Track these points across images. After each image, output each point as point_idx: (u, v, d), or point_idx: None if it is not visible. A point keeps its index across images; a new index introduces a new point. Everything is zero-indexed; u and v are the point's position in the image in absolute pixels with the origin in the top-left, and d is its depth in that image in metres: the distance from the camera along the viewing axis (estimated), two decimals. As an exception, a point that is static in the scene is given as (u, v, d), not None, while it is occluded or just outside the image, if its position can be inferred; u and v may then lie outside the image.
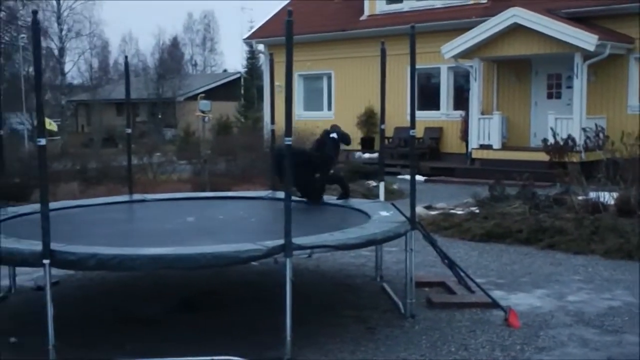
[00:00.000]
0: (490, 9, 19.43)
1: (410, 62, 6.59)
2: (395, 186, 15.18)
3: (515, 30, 18.08)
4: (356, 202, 8.45)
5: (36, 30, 5.35)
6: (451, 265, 7.25)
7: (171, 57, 57.46)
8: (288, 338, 5.34)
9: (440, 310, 6.68)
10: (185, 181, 16.01)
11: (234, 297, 7.36)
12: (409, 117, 6.68)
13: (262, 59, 31.05)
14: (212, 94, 38.00)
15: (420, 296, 6.94)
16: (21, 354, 5.60)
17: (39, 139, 5.25)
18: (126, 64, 9.61)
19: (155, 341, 5.88)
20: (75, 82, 53.59)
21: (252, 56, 45.78)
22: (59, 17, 45.47)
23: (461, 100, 20.87)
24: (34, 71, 5.51)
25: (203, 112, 22.86)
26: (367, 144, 21.96)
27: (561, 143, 16.40)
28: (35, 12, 5.41)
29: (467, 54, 19.05)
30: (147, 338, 5.98)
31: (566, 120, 17.59)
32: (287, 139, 5.42)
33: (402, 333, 6.04)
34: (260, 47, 27.03)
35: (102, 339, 5.94)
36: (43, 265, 5.16)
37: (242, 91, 45.82)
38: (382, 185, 8.53)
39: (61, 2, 45.79)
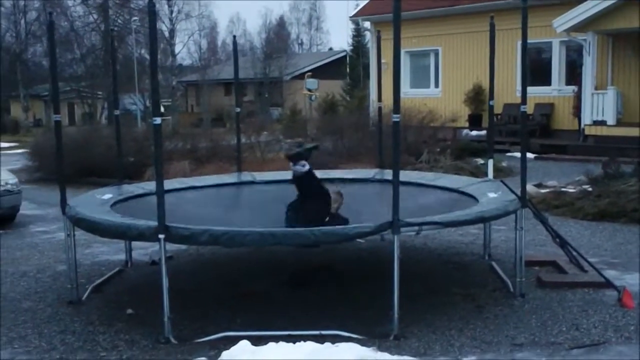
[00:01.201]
0: (605, -21, 18.57)
1: (522, 36, 6.41)
2: (504, 164, 14.85)
3: (632, 2, 17.20)
4: (465, 180, 8.32)
5: (152, 12, 5.52)
6: (563, 244, 7.05)
7: (278, 36, 57.96)
8: (395, 315, 5.36)
9: (550, 289, 6.52)
10: (292, 159, 16.16)
11: (343, 274, 7.42)
12: (518, 94, 6.53)
13: (368, 37, 30.96)
14: (318, 73, 38.26)
15: (530, 275, 6.80)
16: (138, 325, 5.85)
17: (154, 119, 5.45)
18: (235, 44, 9.78)
19: (265, 315, 6.02)
20: (185, 63, 54.99)
21: (358, 34, 45.68)
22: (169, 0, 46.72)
23: (573, 75, 20.12)
24: (150, 53, 5.70)
25: (310, 90, 23.03)
26: (475, 121, 21.55)
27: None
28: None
29: (580, 27, 18.31)
30: (257, 312, 6.12)
31: (687, 94, 16.68)
32: (394, 116, 5.39)
33: (512, 312, 5.94)
34: (367, 24, 26.90)
35: (214, 312, 6.13)
36: (158, 239, 5.37)
37: (348, 69, 45.81)
38: (490, 162, 8.36)
39: (172, -16, 47.08)
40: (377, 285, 5.88)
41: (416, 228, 5.62)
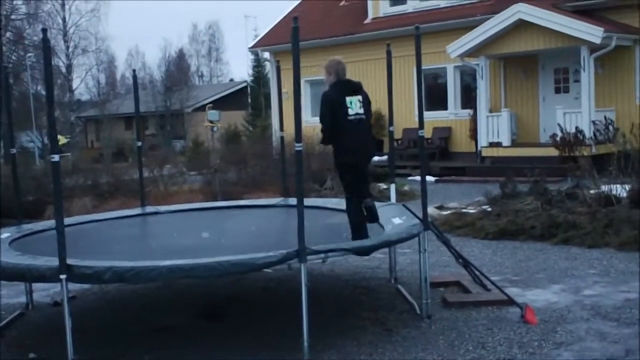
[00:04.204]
0: (495, 6, 19.41)
1: (417, 63, 6.61)
2: (406, 187, 15.19)
3: (521, 26, 18.06)
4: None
5: (47, 48, 5.40)
6: (466, 264, 7.25)
7: (178, 69, 57.59)
8: (305, 342, 5.38)
9: (456, 309, 6.69)
10: (196, 191, 16.05)
11: (251, 304, 7.39)
12: (416, 118, 6.70)
13: (268, 67, 31.16)
14: (219, 104, 38.11)
15: (436, 296, 6.95)
16: (42, 370, 5.64)
17: (52, 155, 5.32)
18: (135, 77, 9.69)
19: (178, 350, 5.92)
20: (84, 98, 53.92)
21: (258, 64, 45.86)
22: (65, 35, 45.88)
23: (469, 98, 20.84)
24: (46, 89, 5.58)
25: (212, 122, 22.92)
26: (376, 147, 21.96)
27: (570, 137, 16.35)
28: (45, 30, 5.48)
29: (473, 52, 19.05)
30: (170, 347, 6.01)
31: (575, 114, 17.55)
32: (297, 145, 5.44)
33: (420, 334, 6.05)
34: (266, 54, 27.08)
35: (125, 351, 5.97)
36: (60, 280, 5.21)
37: (249, 100, 45.94)
38: (393, 187, 8.54)
39: (67, 19, 46.18)
40: (288, 313, 5.88)
41: (322, 255, 5.67)
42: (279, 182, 11.19)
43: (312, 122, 22.59)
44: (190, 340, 6.16)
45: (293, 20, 5.56)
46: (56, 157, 5.29)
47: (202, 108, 40.04)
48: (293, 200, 8.09)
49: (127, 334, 6.56)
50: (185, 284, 7.58)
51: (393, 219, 6.95)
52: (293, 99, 5.52)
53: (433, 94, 21.02)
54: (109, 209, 12.22)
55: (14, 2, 43.52)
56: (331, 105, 6.37)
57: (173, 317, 6.90)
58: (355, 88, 6.58)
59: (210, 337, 6.27)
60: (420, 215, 6.59)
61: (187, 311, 7.07)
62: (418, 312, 6.54)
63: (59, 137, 22.01)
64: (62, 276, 5.20)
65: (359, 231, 6.51)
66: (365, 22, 23.06)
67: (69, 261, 5.25)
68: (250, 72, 48.72)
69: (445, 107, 21.40)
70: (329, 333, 6.05)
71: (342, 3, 25.13)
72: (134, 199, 13.34)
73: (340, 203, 8.54)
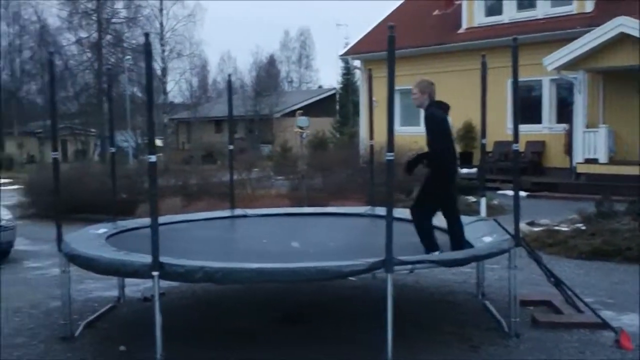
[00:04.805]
0: (596, 19, 18.84)
1: (513, 75, 6.47)
2: (495, 202, 14.84)
3: (623, 40, 17.43)
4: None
5: (148, 52, 5.54)
6: (557, 283, 7.02)
7: (268, 74, 58.38)
8: (389, 355, 5.30)
9: (546, 330, 6.47)
10: (282, 196, 16.18)
11: (333, 311, 7.37)
12: (509, 131, 6.57)
13: (358, 75, 31.16)
14: (307, 110, 38.47)
15: (525, 315, 6.74)
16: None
17: (149, 156, 5.43)
18: (229, 82, 9.85)
19: (258, 353, 5.96)
20: (176, 100, 55.26)
21: (348, 72, 46.07)
22: (161, 38, 47.13)
23: (564, 113, 20.28)
24: (146, 92, 5.71)
25: (301, 128, 23.11)
26: (465, 159, 21.63)
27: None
28: (147, 35, 5.61)
29: (571, 65, 18.52)
30: (250, 350, 6.05)
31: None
32: (388, 154, 5.38)
33: (507, 352, 5.88)
34: (356, 62, 27.12)
35: (206, 350, 6.05)
36: (152, 277, 5.32)
37: (338, 107, 46.11)
38: (483, 201, 8.37)
39: (164, 23, 47.51)
40: (370, 323, 5.82)
41: (409, 266, 5.59)
42: (364, 190, 11.15)
43: (401, 132, 22.49)
44: (272, 345, 6.19)
45: (389, 29, 5.52)
46: (153, 158, 5.41)
47: (291, 114, 40.55)
48: (380, 210, 8.02)
49: (211, 333, 6.64)
50: (267, 287, 7.61)
51: (483, 233, 6.80)
52: (386, 107, 5.46)
53: (527, 107, 20.53)
54: (197, 209, 12.44)
55: (115, 7, 45.18)
56: (444, 125, 6.70)
57: (255, 320, 6.96)
58: (448, 109, 6.94)
59: (291, 342, 6.27)
60: (512, 230, 6.42)
61: (268, 315, 7.11)
62: (506, 330, 6.36)
63: (153, 138, 22.61)
64: (155, 273, 5.31)
65: (432, 241, 6.55)
66: (459, 31, 22.79)
67: (162, 259, 5.35)
68: (339, 79, 49.00)
69: (539, 121, 20.89)
70: (412, 346, 5.95)
71: (435, 12, 24.92)
72: (221, 201, 13.56)
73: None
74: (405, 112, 24.26)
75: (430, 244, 6.54)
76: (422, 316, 7.10)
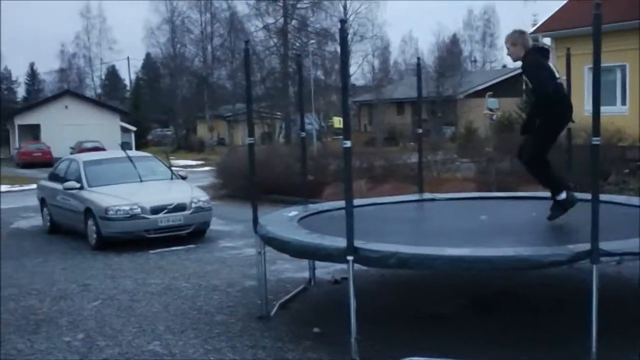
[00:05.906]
0: None
1: None
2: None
3: None
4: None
5: (343, 39, 5.58)
6: None
7: (449, 54, 57.45)
8: (593, 349, 5.02)
9: None
10: (469, 180, 15.87)
11: (524, 300, 7.12)
12: None
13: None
14: (493, 91, 37.44)
15: None
16: (325, 345, 5.89)
17: (345, 141, 5.51)
18: (418, 65, 9.85)
19: (449, 340, 5.88)
20: (358, 83, 55.88)
21: (535, 50, 44.23)
22: (345, 22, 47.69)
23: None
24: (341, 78, 5.82)
25: (491, 110, 22.45)
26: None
27: None
28: (343, 22, 5.66)
29: None
30: (441, 336, 6.00)
31: None
32: (594, 138, 5.04)
33: None
34: (546, 40, 25.98)
35: (398, 334, 6.06)
36: (347, 261, 5.38)
37: (524, 86, 44.51)
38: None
39: (347, 7, 48.08)
40: (565, 315, 5.53)
41: (617, 258, 5.26)
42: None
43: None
44: (461, 332, 6.08)
45: (594, 7, 5.19)
46: (348, 144, 5.47)
47: (475, 94, 39.68)
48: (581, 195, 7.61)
49: (400, 318, 6.64)
50: (461, 272, 7.48)
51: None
52: (592, 89, 5.14)
53: None
54: (383, 192, 12.49)
55: (300, -8, 46.36)
56: (543, 68, 6.34)
57: (443, 306, 6.87)
58: (548, 53, 6.71)
59: (481, 330, 6.14)
60: None
61: (457, 301, 7.00)
62: None
63: (335, 118, 22.97)
64: (349, 257, 5.37)
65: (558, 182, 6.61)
66: (660, 4, 21.13)
67: (356, 243, 5.39)
68: (525, 58, 47.19)
69: None
70: (618, 344, 5.57)
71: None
72: (406, 183, 13.56)
73: (630, 200, 7.95)
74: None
75: (557, 185, 6.64)
76: (628, 311, 6.58)
